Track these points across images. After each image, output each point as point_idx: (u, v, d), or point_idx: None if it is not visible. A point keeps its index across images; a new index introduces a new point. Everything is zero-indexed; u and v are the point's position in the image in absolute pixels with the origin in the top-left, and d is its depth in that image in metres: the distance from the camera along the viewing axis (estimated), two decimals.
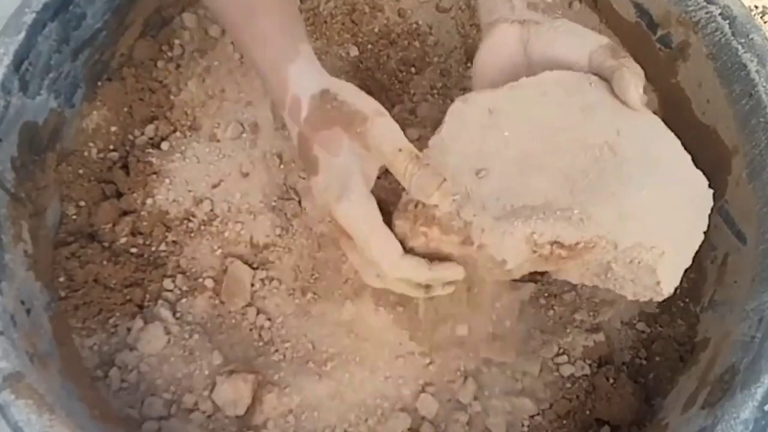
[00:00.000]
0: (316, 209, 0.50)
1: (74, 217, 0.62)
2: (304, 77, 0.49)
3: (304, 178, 0.66)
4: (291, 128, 0.50)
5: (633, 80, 0.47)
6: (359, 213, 0.46)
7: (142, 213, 0.63)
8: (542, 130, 0.47)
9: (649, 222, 0.45)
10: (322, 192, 0.48)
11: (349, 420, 0.58)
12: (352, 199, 0.46)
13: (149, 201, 0.63)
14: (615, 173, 0.45)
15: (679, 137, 0.69)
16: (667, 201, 0.46)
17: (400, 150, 0.44)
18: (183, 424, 0.56)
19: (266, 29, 0.51)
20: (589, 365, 0.61)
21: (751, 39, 0.59)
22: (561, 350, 0.61)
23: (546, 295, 0.64)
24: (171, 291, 0.62)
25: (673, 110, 0.69)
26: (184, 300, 0.61)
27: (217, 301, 0.62)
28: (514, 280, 0.61)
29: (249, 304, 0.62)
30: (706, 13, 0.61)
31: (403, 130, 0.70)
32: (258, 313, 0.61)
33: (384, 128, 0.46)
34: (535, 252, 0.44)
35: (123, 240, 0.62)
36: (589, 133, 0.47)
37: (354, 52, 0.72)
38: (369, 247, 0.46)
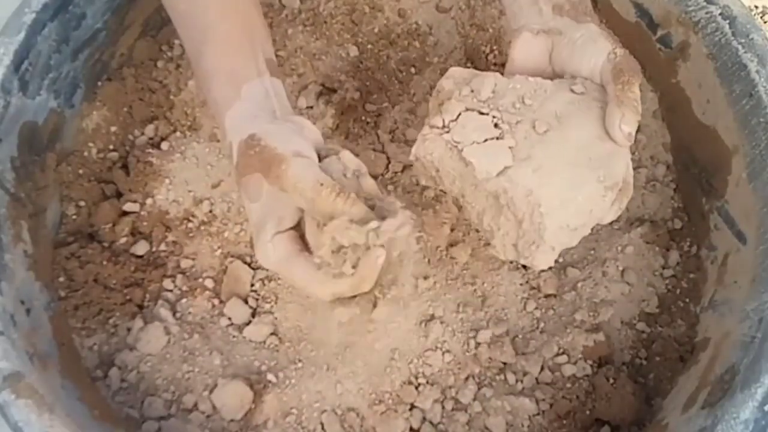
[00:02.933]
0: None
1: (74, 217, 0.62)
2: (237, 123, 0.49)
3: None
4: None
5: (621, 118, 0.48)
6: (272, 251, 0.47)
7: (142, 213, 0.63)
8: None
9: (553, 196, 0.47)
10: (253, 237, 0.49)
11: (350, 419, 0.58)
12: (265, 240, 0.47)
13: (149, 201, 0.63)
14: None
15: (679, 137, 0.69)
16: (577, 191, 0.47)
17: (321, 185, 0.44)
18: (183, 424, 0.56)
19: (211, 72, 0.51)
20: (590, 365, 0.61)
21: (751, 39, 0.59)
22: (561, 350, 0.61)
23: (546, 295, 0.64)
24: (171, 291, 0.62)
25: (673, 110, 0.69)
26: (184, 300, 0.61)
27: (217, 301, 0.62)
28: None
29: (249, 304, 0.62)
30: (706, 13, 0.61)
31: (404, 130, 0.70)
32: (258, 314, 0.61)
33: (301, 168, 0.45)
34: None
35: (123, 240, 0.62)
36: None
37: (354, 52, 0.72)
38: (292, 278, 0.48)
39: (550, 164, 0.47)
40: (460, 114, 0.49)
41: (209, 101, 0.52)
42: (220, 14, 0.51)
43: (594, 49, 0.51)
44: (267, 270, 0.63)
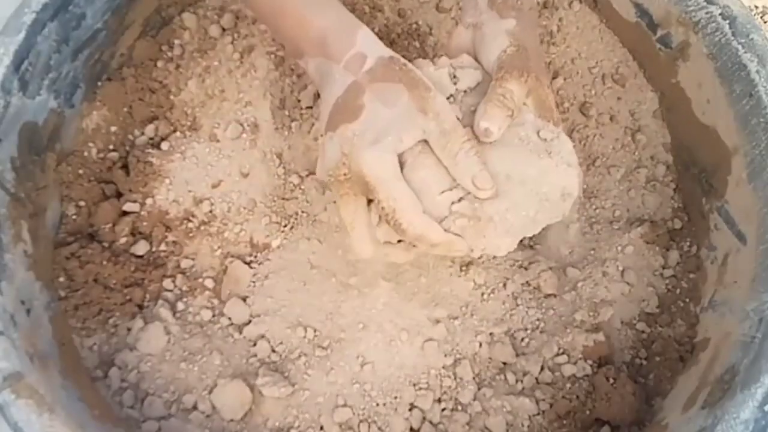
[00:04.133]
0: (328, 160, 0.51)
1: (74, 217, 0.62)
2: (373, 41, 0.51)
3: (306, 175, 0.66)
4: (340, 80, 0.51)
5: (482, 114, 0.48)
6: (387, 164, 0.48)
7: (142, 213, 0.63)
8: None
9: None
10: (352, 138, 0.49)
11: (350, 419, 0.58)
12: (385, 151, 0.47)
13: (149, 201, 0.63)
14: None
15: (679, 137, 0.69)
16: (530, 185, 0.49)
17: (459, 125, 0.47)
18: (183, 424, 0.56)
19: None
20: (590, 365, 0.61)
21: (752, 39, 0.59)
22: (561, 350, 0.61)
23: (546, 295, 0.64)
24: (171, 291, 0.62)
25: (673, 110, 0.69)
26: (184, 300, 0.61)
27: (217, 301, 0.62)
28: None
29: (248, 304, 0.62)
30: (707, 13, 0.61)
31: None
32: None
33: (445, 103, 0.48)
34: None
35: (123, 240, 0.62)
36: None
37: None
38: (391, 197, 0.47)
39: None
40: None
41: (326, 23, 0.51)
42: None
43: (493, 45, 0.52)
44: (268, 263, 0.63)
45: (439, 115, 0.47)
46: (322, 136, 0.52)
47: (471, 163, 0.47)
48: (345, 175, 0.49)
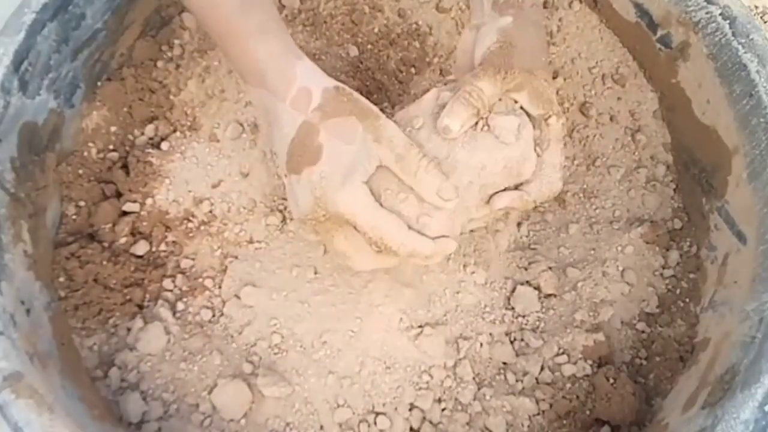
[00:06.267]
0: (301, 205, 0.52)
1: (74, 217, 0.62)
2: (314, 73, 0.51)
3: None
4: (289, 119, 0.51)
5: (447, 110, 0.49)
6: (362, 199, 0.49)
7: (142, 213, 0.63)
8: None
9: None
10: (319, 181, 0.49)
11: (350, 419, 0.58)
12: (356, 186, 0.48)
13: (149, 201, 0.63)
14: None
15: (679, 137, 0.69)
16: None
17: (412, 145, 0.48)
18: (183, 424, 0.56)
19: (266, 23, 0.52)
20: (590, 365, 0.61)
21: (752, 39, 0.59)
22: (561, 350, 0.61)
23: (546, 295, 0.64)
24: (171, 291, 0.62)
25: (673, 110, 0.69)
26: (184, 300, 0.61)
27: (217, 301, 0.62)
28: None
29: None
30: (707, 13, 0.61)
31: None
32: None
33: (395, 127, 0.50)
34: None
35: (123, 240, 0.62)
36: None
37: (354, 52, 0.72)
38: (375, 226, 0.49)
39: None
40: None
41: (262, 53, 0.51)
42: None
43: (483, 43, 0.52)
44: (268, 263, 0.63)
45: (391, 141, 0.49)
46: (285, 176, 0.53)
47: (431, 178, 0.48)
48: (323, 216, 0.51)
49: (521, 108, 0.52)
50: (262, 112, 0.54)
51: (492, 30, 0.52)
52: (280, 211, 0.65)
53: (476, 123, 0.50)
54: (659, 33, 0.67)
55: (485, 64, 0.50)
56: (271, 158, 0.67)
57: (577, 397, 0.59)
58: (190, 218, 0.64)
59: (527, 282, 0.65)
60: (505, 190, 0.53)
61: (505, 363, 0.61)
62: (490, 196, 0.53)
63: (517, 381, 0.60)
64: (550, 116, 0.52)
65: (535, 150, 0.53)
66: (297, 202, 0.52)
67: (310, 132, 0.49)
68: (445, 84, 0.54)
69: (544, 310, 0.64)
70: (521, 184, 0.53)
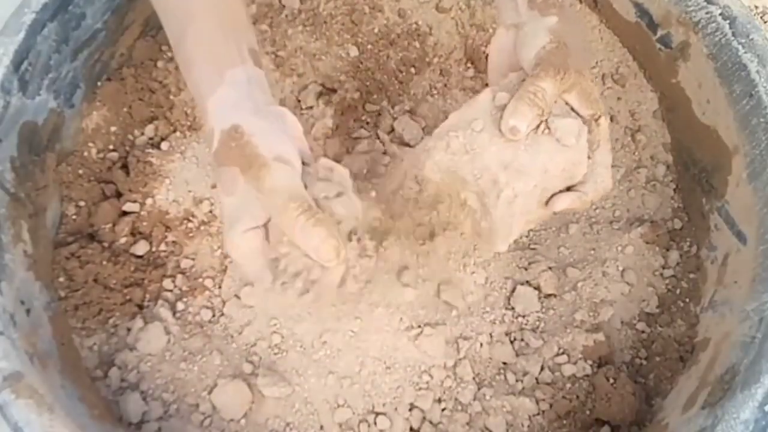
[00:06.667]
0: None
1: (74, 217, 0.62)
2: (221, 110, 0.49)
3: None
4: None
5: (511, 111, 0.47)
6: (244, 245, 0.47)
7: (142, 213, 0.63)
8: None
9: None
10: (223, 218, 0.49)
11: (350, 419, 0.58)
12: (237, 233, 0.46)
13: (149, 201, 0.63)
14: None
15: (679, 137, 0.69)
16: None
17: (290, 204, 0.44)
18: (183, 424, 0.56)
19: (194, 54, 0.50)
20: (590, 365, 0.61)
21: (752, 39, 0.59)
22: (561, 350, 0.61)
23: (546, 295, 0.64)
24: (171, 291, 0.62)
25: (673, 110, 0.69)
26: (184, 300, 0.61)
27: (217, 301, 0.62)
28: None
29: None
30: (707, 13, 0.61)
31: (402, 129, 0.70)
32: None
33: (280, 176, 0.45)
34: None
35: (123, 240, 0.62)
36: None
37: (354, 52, 0.72)
38: (246, 272, 0.49)
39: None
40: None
41: (191, 85, 0.51)
42: (204, 2, 0.51)
43: (532, 43, 0.50)
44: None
45: (273, 193, 0.45)
46: None
47: (308, 237, 0.44)
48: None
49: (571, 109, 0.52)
50: None
51: (539, 30, 0.50)
52: None
53: (537, 125, 0.50)
54: (659, 33, 0.67)
55: (545, 65, 0.48)
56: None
57: (577, 397, 0.59)
58: (190, 218, 0.64)
59: (527, 282, 0.65)
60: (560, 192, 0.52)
61: (505, 363, 0.61)
62: (548, 199, 0.52)
63: (517, 381, 0.60)
64: (599, 117, 0.51)
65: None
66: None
67: (214, 176, 0.50)
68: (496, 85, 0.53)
69: (544, 310, 0.64)
70: (574, 185, 0.52)
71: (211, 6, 0.51)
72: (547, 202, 0.51)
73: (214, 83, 0.49)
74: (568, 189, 0.52)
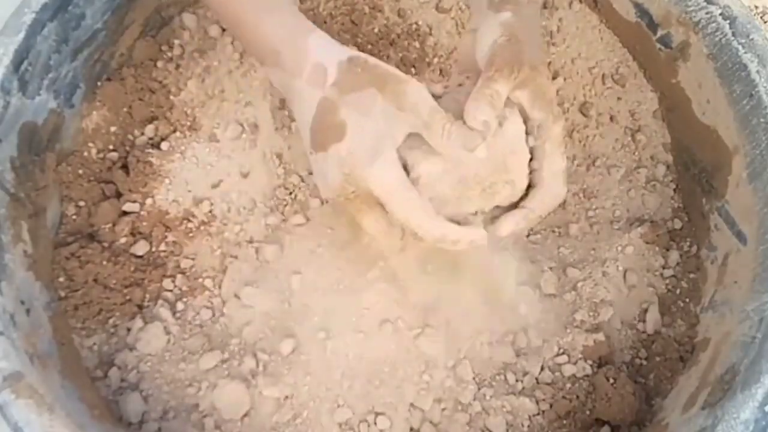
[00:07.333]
0: (330, 183, 0.50)
1: (74, 217, 0.62)
2: (327, 46, 0.49)
3: (308, 174, 0.66)
4: (308, 96, 0.49)
5: (478, 111, 0.47)
6: (393, 175, 0.47)
7: (142, 213, 0.63)
8: None
9: None
10: (348, 157, 0.48)
11: (350, 419, 0.58)
12: (386, 162, 0.46)
13: (149, 201, 0.63)
14: None
15: (679, 137, 0.69)
16: None
17: (436, 111, 0.46)
18: (183, 424, 0.56)
19: (274, 2, 0.51)
20: (590, 365, 0.61)
21: (752, 39, 0.59)
22: (561, 350, 0.61)
23: (546, 295, 0.64)
24: (171, 291, 0.62)
25: (673, 110, 0.69)
26: (184, 300, 0.61)
27: (217, 301, 0.62)
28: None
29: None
30: (707, 13, 0.61)
31: None
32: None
33: (419, 90, 0.47)
34: None
35: (123, 240, 0.62)
36: None
37: None
38: (404, 208, 0.47)
39: None
40: None
41: (273, 30, 0.50)
42: None
43: (485, 40, 0.50)
44: (268, 263, 0.63)
45: (416, 107, 0.46)
46: (311, 154, 0.51)
47: (458, 137, 0.46)
48: (353, 193, 0.49)
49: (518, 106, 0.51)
50: (284, 93, 0.53)
51: (493, 26, 0.50)
52: (281, 212, 0.65)
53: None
54: (659, 33, 0.67)
55: (498, 63, 0.48)
56: (271, 158, 0.67)
57: (577, 397, 0.59)
58: (190, 218, 0.64)
59: (527, 282, 0.65)
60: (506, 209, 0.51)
61: (505, 363, 0.61)
62: (492, 221, 0.51)
63: (517, 381, 0.60)
64: (552, 121, 0.50)
65: (531, 161, 0.51)
66: (325, 180, 0.50)
67: (330, 109, 0.48)
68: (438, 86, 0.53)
69: (544, 310, 0.64)
70: (521, 199, 0.51)
71: None
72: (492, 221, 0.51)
73: (308, 25, 0.50)
74: (516, 205, 0.51)
